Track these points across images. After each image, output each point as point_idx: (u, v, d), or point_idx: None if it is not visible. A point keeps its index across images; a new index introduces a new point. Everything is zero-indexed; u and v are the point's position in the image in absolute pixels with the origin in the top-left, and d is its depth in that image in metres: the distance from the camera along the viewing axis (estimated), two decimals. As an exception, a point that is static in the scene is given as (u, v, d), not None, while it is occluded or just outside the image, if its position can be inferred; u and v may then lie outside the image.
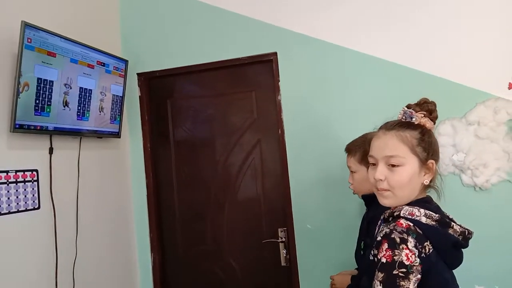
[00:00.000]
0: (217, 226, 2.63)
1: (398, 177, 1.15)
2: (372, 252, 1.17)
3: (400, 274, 1.03)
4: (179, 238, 2.71)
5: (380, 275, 1.05)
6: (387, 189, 1.17)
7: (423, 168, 1.18)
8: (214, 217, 2.64)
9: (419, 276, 1.05)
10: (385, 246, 1.06)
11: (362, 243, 1.75)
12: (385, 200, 1.20)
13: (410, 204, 1.17)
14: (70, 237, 2.14)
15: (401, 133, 1.17)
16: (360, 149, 1.71)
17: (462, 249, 1.19)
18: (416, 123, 1.19)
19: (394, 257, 1.04)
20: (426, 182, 1.18)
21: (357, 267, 1.93)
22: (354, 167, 1.75)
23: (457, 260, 1.17)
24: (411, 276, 1.03)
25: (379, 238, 1.10)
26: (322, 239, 2.35)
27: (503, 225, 2.07)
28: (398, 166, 1.15)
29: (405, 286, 1.03)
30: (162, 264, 2.72)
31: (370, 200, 1.73)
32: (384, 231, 1.10)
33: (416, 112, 1.20)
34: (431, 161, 1.18)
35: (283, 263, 2.45)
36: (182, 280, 2.69)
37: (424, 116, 1.19)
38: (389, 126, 1.21)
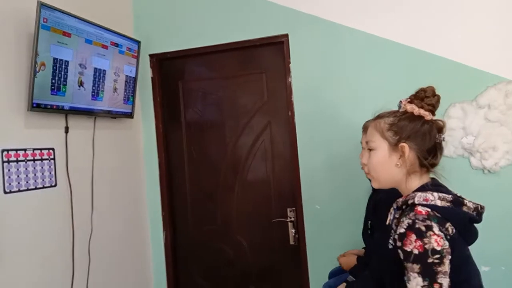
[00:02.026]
0: (227, 206, 2.69)
1: (371, 160, 1.27)
2: (391, 241, 1.19)
3: (436, 260, 1.05)
4: (190, 217, 2.77)
5: (416, 267, 1.06)
6: (368, 173, 1.31)
7: (394, 151, 1.23)
8: (224, 197, 2.69)
9: (450, 257, 1.07)
10: (413, 237, 1.07)
11: (369, 223, 1.79)
12: (372, 183, 1.31)
13: (421, 189, 1.19)
14: (85, 214, 2.21)
15: (378, 121, 1.27)
16: None
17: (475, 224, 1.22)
18: (400, 110, 1.25)
19: (425, 246, 1.06)
20: (398, 164, 1.22)
21: (364, 246, 1.98)
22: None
23: (473, 235, 1.20)
24: (445, 260, 1.06)
25: (402, 230, 1.10)
26: (331, 219, 2.40)
27: (511, 208, 2.09)
28: (372, 150, 1.27)
29: (443, 270, 1.05)
30: (174, 241, 2.79)
31: None
32: (406, 223, 1.11)
33: (408, 100, 1.25)
34: (402, 144, 1.21)
35: (291, 242, 2.51)
36: (193, 257, 2.77)
37: (410, 102, 1.24)
38: (375, 116, 1.31)
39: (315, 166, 2.42)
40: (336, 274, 2.07)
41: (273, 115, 2.58)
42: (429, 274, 1.05)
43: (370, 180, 1.83)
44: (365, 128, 1.81)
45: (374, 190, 1.84)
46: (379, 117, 1.29)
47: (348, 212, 2.34)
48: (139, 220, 2.68)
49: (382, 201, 1.60)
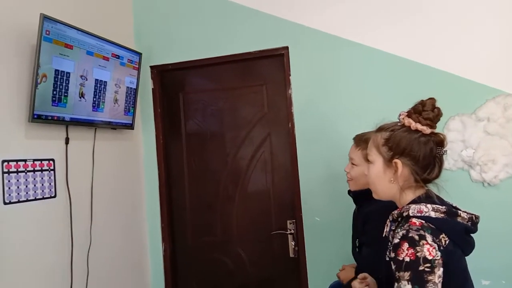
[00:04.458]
0: (227, 218, 2.68)
1: (369, 173, 1.31)
2: (388, 254, 1.20)
3: (426, 269, 1.06)
4: (190, 229, 2.76)
5: (406, 274, 1.07)
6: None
7: (388, 167, 1.24)
8: (224, 208, 2.68)
9: (441, 270, 1.07)
10: (406, 246, 1.08)
11: (357, 241, 1.76)
12: (373, 194, 1.34)
13: (415, 202, 1.20)
14: (85, 225, 2.20)
15: (376, 134, 1.29)
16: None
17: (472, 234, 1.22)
18: (399, 123, 1.26)
19: (417, 254, 1.06)
20: (392, 180, 1.23)
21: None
22: (358, 160, 1.74)
23: (470, 245, 1.20)
24: (435, 270, 1.06)
25: (396, 241, 1.12)
26: (330, 232, 2.39)
27: (511, 221, 2.09)
28: (370, 163, 1.30)
29: (432, 280, 1.05)
30: (173, 253, 2.78)
31: (361, 197, 1.74)
32: (400, 233, 1.12)
33: (406, 114, 1.25)
34: (395, 160, 1.22)
35: (291, 255, 2.49)
36: (192, 269, 2.75)
37: (408, 115, 1.24)
38: (377, 128, 1.32)
39: (314, 177, 2.42)
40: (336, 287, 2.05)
41: (273, 127, 2.59)
42: (419, 282, 1.06)
43: (352, 198, 1.81)
44: (357, 141, 1.80)
45: (359, 205, 1.81)
46: (379, 129, 1.30)
47: (348, 224, 2.31)
48: (138, 232, 2.67)
49: (371, 214, 1.58)
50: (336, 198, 2.37)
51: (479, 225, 1.22)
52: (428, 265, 1.06)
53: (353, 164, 1.76)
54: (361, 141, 1.77)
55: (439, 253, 1.08)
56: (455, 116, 2.14)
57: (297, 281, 2.49)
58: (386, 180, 1.25)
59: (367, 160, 1.68)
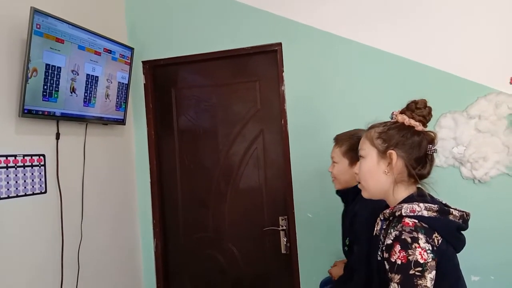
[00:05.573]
0: (219, 214, 2.68)
1: (361, 168, 1.30)
2: (379, 253, 1.20)
3: (417, 273, 1.05)
4: (181, 225, 2.76)
5: (396, 277, 1.07)
6: (359, 182, 1.32)
7: (382, 158, 1.24)
8: (216, 205, 2.68)
9: (434, 272, 1.07)
10: (398, 248, 1.08)
11: (347, 240, 1.77)
12: (362, 192, 1.32)
13: (407, 200, 1.20)
14: (75, 221, 2.19)
15: (368, 131, 1.30)
16: (347, 142, 1.74)
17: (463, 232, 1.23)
18: (392, 120, 1.28)
19: (409, 257, 1.06)
20: (386, 171, 1.23)
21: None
22: (337, 158, 1.76)
23: (461, 243, 1.21)
24: (426, 274, 1.06)
25: (389, 242, 1.12)
26: (322, 228, 2.39)
27: (501, 218, 2.11)
28: (362, 158, 1.29)
29: (423, 284, 1.05)
30: (164, 250, 2.77)
31: (346, 195, 1.77)
32: (393, 234, 1.12)
33: (400, 111, 1.28)
34: (390, 151, 1.22)
35: (283, 251, 2.50)
36: (184, 266, 2.74)
37: (401, 112, 1.26)
38: (368, 127, 1.33)
39: (307, 174, 2.42)
40: (328, 283, 2.06)
41: (266, 123, 2.58)
42: (408, 286, 1.06)
43: (340, 196, 1.82)
44: (336, 141, 1.80)
45: (346, 204, 1.82)
46: (371, 127, 1.31)
47: (340, 221, 2.34)
48: (129, 228, 2.66)
49: (358, 212, 1.59)
50: (328, 195, 2.37)
51: (469, 222, 1.23)
52: (419, 269, 1.06)
53: (334, 162, 1.78)
54: (339, 138, 1.79)
55: (431, 255, 1.08)
56: (446, 113, 2.16)
57: (289, 277, 2.50)
58: (380, 172, 1.25)
59: (344, 155, 1.71)
